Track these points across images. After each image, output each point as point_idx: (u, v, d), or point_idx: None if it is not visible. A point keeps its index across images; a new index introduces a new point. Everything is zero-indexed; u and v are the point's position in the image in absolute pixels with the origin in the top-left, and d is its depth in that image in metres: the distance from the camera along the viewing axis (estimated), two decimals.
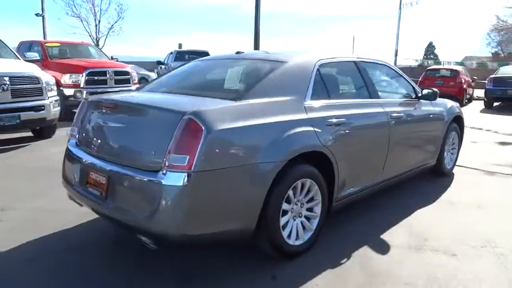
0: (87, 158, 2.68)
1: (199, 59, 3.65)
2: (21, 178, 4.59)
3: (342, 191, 3.04)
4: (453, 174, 4.93)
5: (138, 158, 2.33)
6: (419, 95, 4.07)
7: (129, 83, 9.71)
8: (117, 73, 9.42)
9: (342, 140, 2.91)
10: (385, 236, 3.13)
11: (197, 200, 2.17)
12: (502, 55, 42.38)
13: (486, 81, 13.46)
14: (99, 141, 2.64)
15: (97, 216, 3.30)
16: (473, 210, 3.76)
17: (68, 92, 8.76)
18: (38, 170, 4.91)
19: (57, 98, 6.94)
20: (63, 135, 7.18)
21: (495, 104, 13.60)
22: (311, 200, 2.79)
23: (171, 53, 16.43)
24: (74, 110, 9.38)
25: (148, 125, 2.36)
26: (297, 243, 2.71)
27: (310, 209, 2.81)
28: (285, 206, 2.57)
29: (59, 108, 6.96)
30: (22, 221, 3.34)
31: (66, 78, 8.79)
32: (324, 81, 3.00)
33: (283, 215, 2.58)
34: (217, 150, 2.19)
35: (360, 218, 3.44)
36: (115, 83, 9.35)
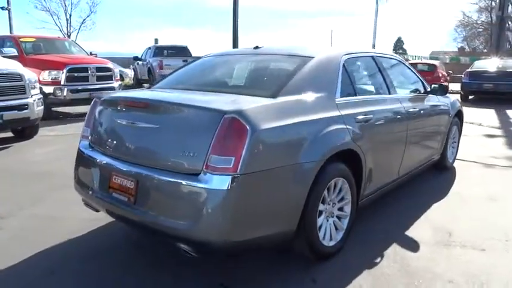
0: (108, 161, 2.49)
1: (212, 54, 3.49)
2: (13, 183, 4.29)
3: (367, 188, 2.99)
4: (454, 168, 4.99)
5: (174, 160, 2.17)
6: (428, 89, 4.08)
7: (111, 80, 9.37)
8: (98, 69, 9.05)
9: (369, 136, 2.85)
10: (409, 233, 3.10)
11: (242, 204, 2.05)
12: (468, 50, 43.90)
13: (462, 75, 13.85)
14: (123, 142, 2.45)
15: (108, 221, 3.15)
16: (486, 203, 3.80)
17: (47, 89, 8.33)
18: (29, 173, 4.61)
19: (41, 96, 6.57)
20: (45, 135, 6.83)
21: (470, 97, 14.03)
22: (342, 199, 2.72)
23: (149, 48, 16.00)
24: (54, 109, 9.06)
25: (184, 125, 2.20)
26: (331, 243, 2.63)
27: (340, 209, 2.74)
28: (320, 206, 2.49)
29: (42, 107, 6.59)
30: (27, 229, 3.10)
31: (45, 75, 8.36)
32: (350, 77, 2.93)
33: (318, 216, 2.49)
34: (261, 151, 2.07)
35: (377, 217, 3.40)
36: (97, 80, 8.99)
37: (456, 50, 46.92)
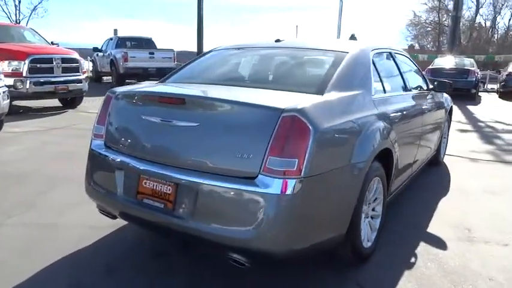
0: (135, 163, 2.24)
1: (227, 47, 3.27)
2: None
3: (393, 185, 2.95)
4: (444, 163, 5.12)
5: (222, 162, 1.98)
6: (430, 86, 4.12)
7: (78, 72, 8.78)
8: (64, 60, 8.43)
9: (397, 134, 2.80)
10: (430, 231, 3.10)
11: (306, 209, 1.91)
12: (418, 48, 45.95)
13: (424, 72, 14.42)
14: (154, 142, 2.21)
15: (114, 227, 2.87)
16: (488, 197, 3.90)
17: (7, 81, 7.61)
18: (5, 175, 4.15)
19: (6, 89, 5.98)
20: (10, 132, 6.24)
21: None
22: (375, 199, 2.65)
23: (111, 39, 15.18)
24: (14, 103, 8.31)
25: (232, 123, 2.00)
26: (368, 245, 2.55)
27: (373, 209, 2.67)
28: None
29: (8, 100, 6.01)
30: (23, 241, 2.75)
31: (4, 66, 7.64)
32: (378, 73, 2.85)
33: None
34: (322, 152, 1.93)
35: (391, 216, 3.37)
36: (62, 72, 8.37)
37: (407, 47, 49.09)
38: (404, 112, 3.06)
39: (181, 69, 3.04)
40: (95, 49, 15.62)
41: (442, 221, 3.29)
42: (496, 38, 41.29)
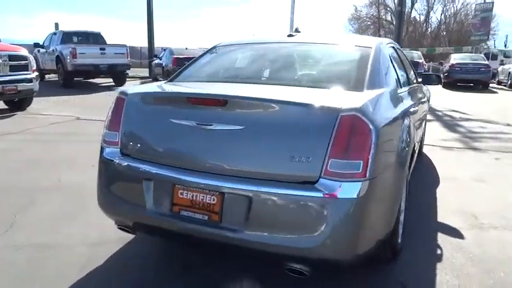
0: (166, 173, 2.02)
1: (235, 42, 3.09)
2: None
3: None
4: (424, 152, 5.31)
5: (277, 167, 1.83)
6: (420, 79, 4.22)
7: (27, 70, 8.02)
8: (12, 57, 7.65)
9: (412, 128, 2.82)
10: (441, 220, 3.16)
11: (370, 212, 1.83)
12: None
13: None
14: (189, 149, 2.01)
15: (124, 242, 2.61)
16: (478, 184, 4.08)
17: None
18: None
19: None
20: None
21: None
22: None
23: (55, 33, 14.10)
24: None
25: (282, 125, 1.85)
26: (399, 240, 2.53)
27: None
28: None
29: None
30: (16, 267, 2.41)
31: None
32: (394, 67, 2.83)
33: None
34: (381, 151, 1.85)
35: None
36: (10, 70, 7.60)
37: None
38: (416, 106, 3.08)
39: (189, 67, 2.81)
40: (36, 45, 14.45)
41: (447, 210, 3.37)
42: (429, 31, 44.08)
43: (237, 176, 1.88)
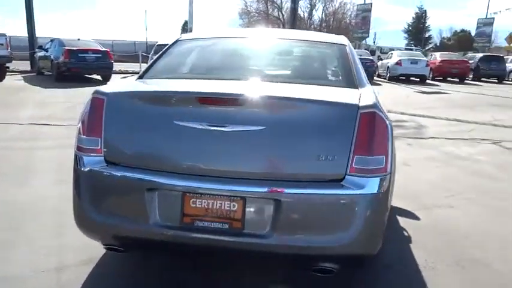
0: (174, 181, 1.81)
1: (204, 36, 2.91)
2: None
3: None
4: None
5: (301, 167, 1.77)
6: None
7: None
8: None
9: None
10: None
11: (388, 206, 1.90)
12: None
13: None
14: (201, 153, 1.82)
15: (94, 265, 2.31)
16: (408, 168, 4.53)
17: None
18: None
19: None
20: None
21: None
22: None
23: None
24: None
25: (304, 123, 1.79)
26: None
27: None
28: None
29: None
30: None
31: None
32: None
33: None
34: (394, 147, 1.93)
35: None
36: None
37: None
38: None
39: (158, 63, 2.53)
40: None
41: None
42: (313, 28, 47.40)
43: (259, 179, 1.78)
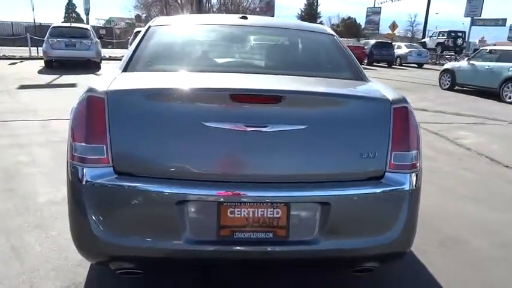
0: (207, 190, 1.60)
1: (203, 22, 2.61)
2: None
3: None
4: None
5: (345, 167, 1.69)
6: None
7: None
8: None
9: None
10: None
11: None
12: (144, 17, 46.68)
13: None
14: (237, 158, 1.62)
15: None
16: None
17: None
18: None
19: None
20: None
21: None
22: None
23: None
24: None
25: (342, 120, 1.70)
26: None
27: None
28: None
29: None
30: None
31: None
32: None
33: None
34: None
35: None
36: None
37: (133, 17, 49.25)
38: None
39: (141, 53, 2.18)
40: None
41: None
42: (212, 12, 46.81)
43: (303, 181, 1.66)
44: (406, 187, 1.75)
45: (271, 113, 1.65)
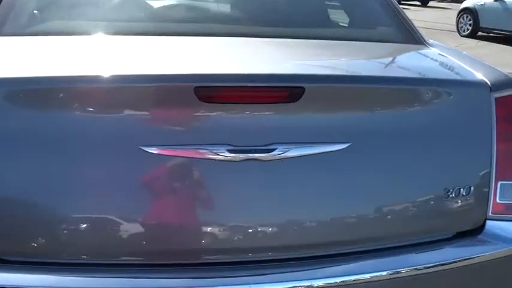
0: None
1: None
2: None
3: None
4: None
5: (416, 216, 0.91)
6: None
7: None
8: None
9: None
10: None
11: None
12: None
13: None
14: (220, 216, 0.82)
15: None
16: None
17: None
18: None
19: None
20: None
21: None
22: None
23: None
24: None
25: (414, 129, 0.90)
26: None
27: None
28: None
29: None
30: None
31: None
32: None
33: None
34: None
35: None
36: None
37: None
38: None
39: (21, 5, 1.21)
40: None
41: None
42: None
43: (354, 252, 0.88)
44: None
45: (278, 123, 0.82)
